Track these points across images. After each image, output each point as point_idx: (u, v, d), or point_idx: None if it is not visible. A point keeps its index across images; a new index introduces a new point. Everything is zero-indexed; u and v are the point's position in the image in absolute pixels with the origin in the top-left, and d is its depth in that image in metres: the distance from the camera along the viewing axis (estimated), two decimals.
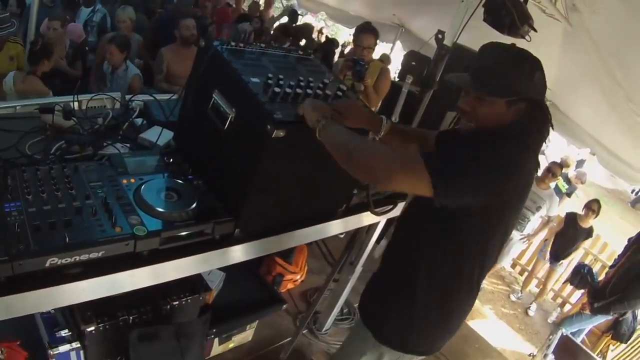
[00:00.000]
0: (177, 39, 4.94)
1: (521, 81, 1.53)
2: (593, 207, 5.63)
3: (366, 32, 4.01)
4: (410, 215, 1.86)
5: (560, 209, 6.19)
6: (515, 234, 5.68)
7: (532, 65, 1.54)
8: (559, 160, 6.71)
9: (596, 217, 5.68)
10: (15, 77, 4.04)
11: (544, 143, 1.64)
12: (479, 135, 1.60)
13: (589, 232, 5.79)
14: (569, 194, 7.21)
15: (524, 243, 6.05)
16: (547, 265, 6.21)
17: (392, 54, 8.44)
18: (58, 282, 1.37)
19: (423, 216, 1.73)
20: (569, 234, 5.86)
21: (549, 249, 6.11)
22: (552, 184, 5.68)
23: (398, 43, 7.96)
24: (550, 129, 1.62)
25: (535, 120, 1.57)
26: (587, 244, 6.04)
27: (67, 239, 1.36)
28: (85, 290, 1.44)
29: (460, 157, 1.50)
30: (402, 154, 1.62)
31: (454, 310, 1.83)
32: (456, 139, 1.75)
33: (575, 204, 7.35)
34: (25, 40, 4.68)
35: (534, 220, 5.67)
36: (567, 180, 7.36)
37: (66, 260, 1.35)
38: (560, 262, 5.99)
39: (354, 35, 3.99)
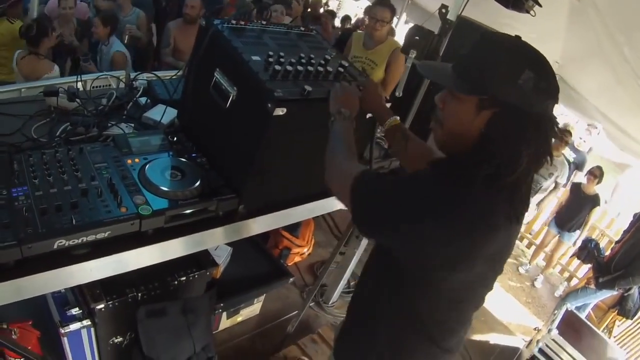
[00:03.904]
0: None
1: (497, 78, 1.20)
2: (595, 172, 5.64)
3: (382, 4, 3.99)
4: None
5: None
6: None
7: (522, 64, 1.19)
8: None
9: (599, 182, 5.67)
10: (17, 58, 4.06)
11: (533, 173, 1.28)
12: (426, 172, 1.34)
13: (594, 200, 5.76)
14: (578, 165, 7.13)
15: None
16: (556, 237, 6.20)
17: (397, 26, 8.32)
18: (66, 263, 1.40)
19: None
20: (573, 202, 5.88)
21: (552, 217, 6.17)
22: (564, 151, 5.68)
23: (404, 15, 7.86)
24: (548, 157, 1.27)
25: (509, 137, 1.20)
26: (596, 213, 5.98)
27: (73, 220, 1.38)
28: (93, 270, 1.47)
29: (389, 192, 1.31)
30: (354, 166, 1.42)
31: None
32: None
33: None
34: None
35: (546, 185, 5.74)
36: (573, 149, 7.29)
37: (73, 242, 1.37)
38: (570, 232, 5.98)
39: (369, 7, 3.96)
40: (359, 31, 5.25)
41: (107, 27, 4.58)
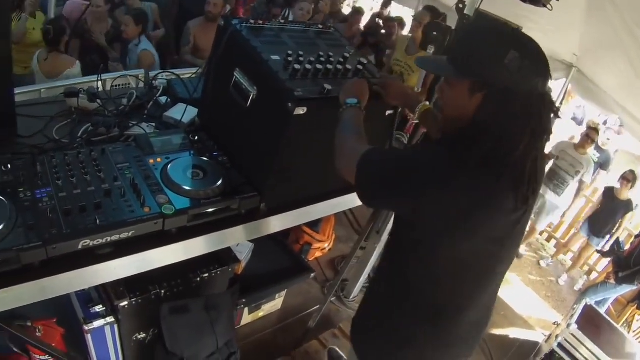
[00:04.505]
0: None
1: (486, 60, 1.27)
2: (628, 177, 5.51)
3: (430, 11, 4.19)
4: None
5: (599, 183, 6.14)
6: (552, 197, 5.69)
7: (507, 45, 1.24)
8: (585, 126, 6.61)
9: (632, 187, 5.53)
10: (39, 57, 4.08)
11: (524, 145, 1.27)
12: (423, 144, 1.45)
13: (627, 205, 5.63)
14: (602, 165, 7.05)
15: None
16: (584, 239, 6.14)
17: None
18: (90, 262, 1.42)
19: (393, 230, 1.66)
20: (607, 207, 5.76)
21: (584, 220, 6.08)
22: (590, 150, 5.59)
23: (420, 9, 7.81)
24: (544, 129, 1.30)
25: (499, 116, 1.25)
26: (629, 219, 5.81)
27: (97, 221, 1.40)
28: (117, 269, 1.50)
29: (388, 161, 1.39)
30: (362, 146, 1.45)
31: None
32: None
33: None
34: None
35: (573, 185, 5.64)
36: (598, 149, 7.20)
37: (97, 242, 1.40)
38: (602, 240, 5.87)
39: (417, 13, 4.08)
40: (403, 34, 5.27)
41: (138, 25, 4.52)
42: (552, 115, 1.30)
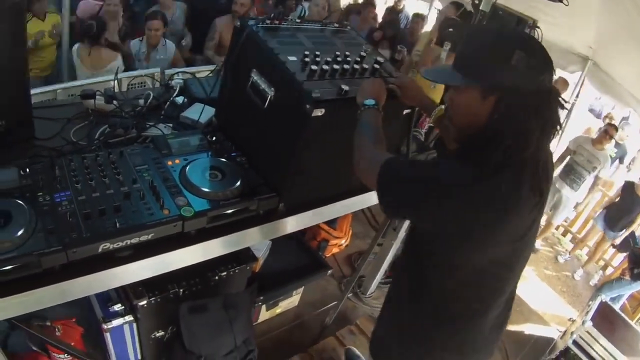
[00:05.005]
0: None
1: (493, 64, 1.28)
2: None
3: (455, 5, 4.07)
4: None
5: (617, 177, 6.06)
6: (568, 192, 5.68)
7: (511, 46, 1.25)
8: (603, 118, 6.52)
9: None
10: (80, 52, 4.18)
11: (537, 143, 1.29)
12: (442, 159, 1.48)
13: None
14: (620, 159, 6.96)
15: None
16: (600, 233, 6.08)
17: (429, 14, 8.20)
18: (110, 265, 1.43)
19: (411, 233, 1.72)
20: (625, 202, 5.67)
21: (600, 214, 6.01)
22: (608, 146, 5.52)
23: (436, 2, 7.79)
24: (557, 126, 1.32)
25: (515, 117, 1.26)
26: None
27: (117, 224, 1.41)
28: (136, 271, 1.50)
29: (411, 174, 1.39)
30: (381, 154, 1.46)
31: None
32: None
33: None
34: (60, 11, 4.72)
35: (589, 180, 5.62)
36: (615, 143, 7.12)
37: (117, 245, 1.40)
38: (617, 234, 5.80)
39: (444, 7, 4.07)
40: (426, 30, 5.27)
41: (166, 27, 4.56)
42: (559, 108, 1.32)
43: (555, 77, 1.36)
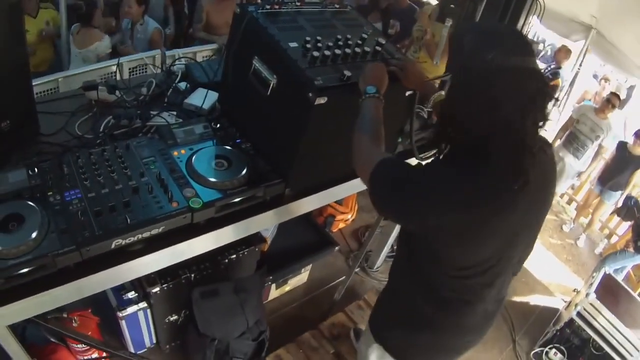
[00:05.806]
0: None
1: (456, 50, 1.33)
2: None
3: None
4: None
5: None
6: (571, 160, 5.69)
7: (467, 30, 1.33)
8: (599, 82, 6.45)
9: None
10: (73, 30, 4.28)
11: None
12: (434, 165, 1.49)
13: (639, 162, 5.54)
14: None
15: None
16: (598, 198, 6.08)
17: None
18: (123, 260, 1.46)
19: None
20: (617, 160, 5.67)
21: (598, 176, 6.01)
22: (610, 115, 5.47)
23: None
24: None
25: (464, 103, 1.29)
26: (638, 175, 5.67)
27: (128, 220, 1.43)
28: (149, 263, 1.54)
29: (400, 177, 1.40)
30: (377, 152, 1.48)
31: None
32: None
33: None
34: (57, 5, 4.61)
35: (592, 149, 5.63)
36: None
37: (129, 240, 1.42)
38: (611, 191, 5.77)
39: None
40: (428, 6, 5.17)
41: (141, 6, 4.52)
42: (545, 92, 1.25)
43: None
